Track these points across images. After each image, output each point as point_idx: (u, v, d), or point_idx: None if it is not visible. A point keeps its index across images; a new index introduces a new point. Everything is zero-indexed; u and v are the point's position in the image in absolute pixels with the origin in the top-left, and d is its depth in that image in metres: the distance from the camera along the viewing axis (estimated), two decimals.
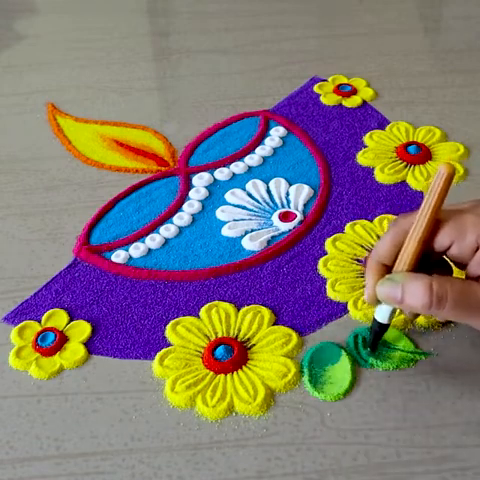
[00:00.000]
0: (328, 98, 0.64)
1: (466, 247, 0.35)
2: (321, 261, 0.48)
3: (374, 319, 0.39)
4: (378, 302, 0.38)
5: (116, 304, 0.46)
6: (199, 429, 0.39)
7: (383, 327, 0.39)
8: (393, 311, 0.38)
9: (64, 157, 0.59)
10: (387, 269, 0.37)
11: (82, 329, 0.44)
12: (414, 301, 0.34)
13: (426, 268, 0.37)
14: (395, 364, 0.41)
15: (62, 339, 0.44)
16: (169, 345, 0.43)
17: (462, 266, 0.37)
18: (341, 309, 0.45)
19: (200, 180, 0.56)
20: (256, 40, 0.74)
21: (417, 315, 0.41)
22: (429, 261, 0.37)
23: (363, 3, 0.81)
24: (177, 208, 0.53)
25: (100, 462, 0.37)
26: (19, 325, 0.45)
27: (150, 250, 0.50)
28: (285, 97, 0.65)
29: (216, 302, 0.45)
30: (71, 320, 0.45)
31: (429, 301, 0.34)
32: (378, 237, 0.49)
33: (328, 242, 0.49)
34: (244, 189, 0.55)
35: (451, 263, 0.39)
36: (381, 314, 0.38)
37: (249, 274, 0.48)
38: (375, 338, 0.40)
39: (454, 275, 0.39)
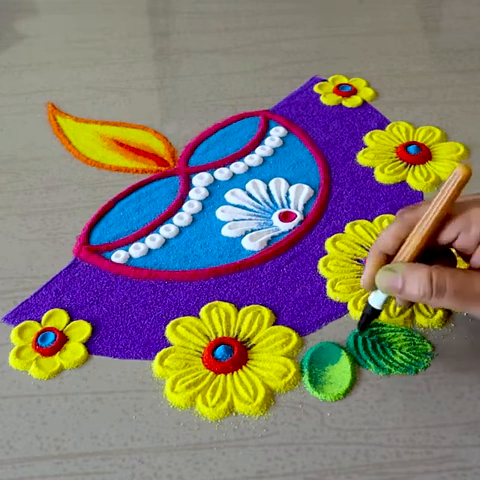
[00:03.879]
0: (328, 98, 0.64)
1: (471, 239, 0.35)
2: (321, 261, 0.48)
3: (367, 303, 0.40)
4: (374, 288, 0.39)
5: (116, 304, 0.46)
6: (199, 429, 0.39)
7: (375, 312, 0.40)
8: (387, 298, 0.39)
9: (64, 157, 0.59)
10: (388, 259, 0.38)
11: (82, 329, 0.44)
12: (414, 290, 0.35)
13: (429, 258, 0.37)
14: (397, 370, 0.41)
15: (62, 339, 0.44)
16: (169, 345, 0.43)
17: (467, 257, 0.37)
18: (341, 309, 0.45)
19: (200, 180, 0.56)
20: (256, 40, 0.74)
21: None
22: (432, 251, 0.38)
23: (363, 3, 0.81)
24: (177, 208, 0.53)
25: (100, 462, 0.37)
26: (19, 325, 0.45)
27: (150, 250, 0.50)
28: (285, 97, 0.65)
29: (216, 302, 0.45)
30: (71, 320, 0.45)
31: (429, 291, 0.34)
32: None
33: (328, 242, 0.49)
34: (244, 189, 0.55)
35: (456, 254, 0.39)
36: (376, 300, 0.39)
37: (249, 274, 0.48)
38: (366, 322, 0.41)
39: (458, 265, 0.39)
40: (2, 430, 0.39)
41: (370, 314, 0.40)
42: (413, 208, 0.38)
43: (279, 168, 0.57)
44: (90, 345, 0.43)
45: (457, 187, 0.35)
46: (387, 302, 0.39)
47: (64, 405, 0.40)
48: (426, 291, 0.35)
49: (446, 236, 0.36)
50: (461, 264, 0.39)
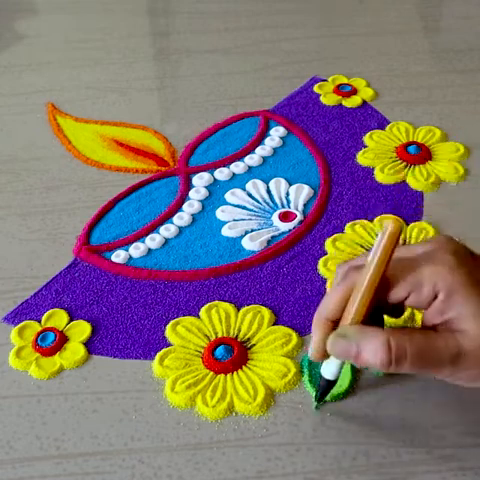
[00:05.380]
0: (328, 98, 0.64)
1: (423, 298, 0.33)
2: (321, 261, 0.48)
3: (321, 375, 0.37)
4: (325, 357, 0.36)
5: (116, 304, 0.46)
6: (199, 429, 0.39)
7: (331, 383, 0.37)
8: (341, 367, 0.36)
9: (64, 157, 0.59)
10: (334, 325, 0.35)
11: (82, 329, 0.44)
12: (371, 359, 0.33)
13: (376, 312, 0.35)
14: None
15: (62, 339, 0.44)
16: (169, 345, 0.43)
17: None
18: None
19: (200, 180, 0.56)
20: (256, 40, 0.74)
21: None
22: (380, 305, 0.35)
23: (363, 3, 0.81)
24: (177, 208, 0.53)
25: (100, 462, 0.37)
26: (19, 325, 0.45)
27: (150, 250, 0.50)
28: (285, 97, 0.65)
29: (216, 302, 0.45)
30: (71, 320, 0.45)
31: (388, 360, 0.32)
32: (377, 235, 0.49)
33: (328, 242, 0.49)
34: (244, 189, 0.55)
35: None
36: (328, 371, 0.36)
37: (249, 274, 0.48)
38: (323, 394, 0.38)
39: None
40: (2, 430, 0.39)
41: (326, 386, 0.37)
42: (355, 267, 0.35)
43: (279, 168, 0.57)
44: (90, 345, 0.43)
45: (388, 240, 0.33)
46: (341, 370, 0.37)
47: (64, 405, 0.40)
48: (385, 361, 0.32)
49: (396, 295, 0.34)
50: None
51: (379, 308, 0.35)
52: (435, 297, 0.33)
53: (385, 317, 0.37)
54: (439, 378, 0.34)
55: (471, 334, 0.32)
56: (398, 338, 0.32)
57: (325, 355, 0.36)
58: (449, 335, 0.33)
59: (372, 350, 0.33)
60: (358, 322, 0.34)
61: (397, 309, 0.36)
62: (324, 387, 0.38)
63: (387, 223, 0.33)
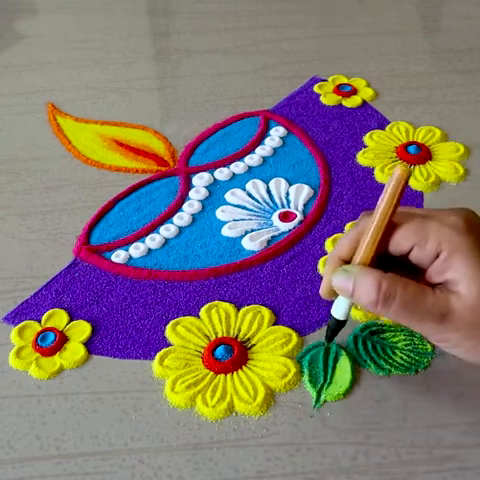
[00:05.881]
0: (328, 98, 0.64)
1: (426, 253, 0.34)
2: (321, 261, 0.48)
3: (330, 315, 0.38)
4: (334, 296, 0.37)
5: (116, 304, 0.46)
6: (199, 429, 0.39)
7: (340, 323, 0.38)
8: (349, 307, 0.37)
9: (64, 157, 0.59)
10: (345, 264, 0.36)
11: (82, 329, 0.44)
12: (362, 296, 0.34)
13: (393, 267, 0.35)
14: (397, 370, 0.41)
15: (62, 339, 0.44)
16: (169, 345, 0.43)
17: (423, 272, 0.35)
18: None
19: (200, 180, 0.56)
20: (256, 40, 0.74)
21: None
22: (398, 261, 0.36)
23: (363, 3, 0.81)
24: (177, 208, 0.53)
25: (100, 462, 0.37)
26: (19, 325, 0.45)
27: (150, 250, 0.50)
28: (285, 97, 0.65)
29: (216, 302, 0.45)
30: (71, 320, 0.45)
31: (376, 298, 0.33)
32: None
33: (328, 242, 0.49)
34: (244, 189, 0.55)
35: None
36: (337, 310, 0.37)
37: (249, 274, 0.48)
38: (332, 334, 0.39)
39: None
40: (2, 430, 0.39)
41: (335, 327, 0.38)
42: (370, 212, 0.36)
43: (279, 168, 0.57)
44: (90, 345, 0.43)
45: (395, 185, 0.34)
46: (350, 311, 0.37)
47: (64, 405, 0.40)
48: (372, 298, 0.33)
49: (399, 246, 0.34)
50: None
51: (394, 263, 0.35)
52: (437, 256, 0.33)
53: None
54: (425, 334, 0.34)
55: (463, 296, 0.32)
56: (391, 281, 0.33)
57: (332, 292, 0.37)
58: (442, 294, 0.33)
59: (365, 287, 0.33)
60: (365, 264, 0.35)
61: (412, 268, 0.36)
62: (334, 328, 0.38)
63: (396, 168, 0.34)
